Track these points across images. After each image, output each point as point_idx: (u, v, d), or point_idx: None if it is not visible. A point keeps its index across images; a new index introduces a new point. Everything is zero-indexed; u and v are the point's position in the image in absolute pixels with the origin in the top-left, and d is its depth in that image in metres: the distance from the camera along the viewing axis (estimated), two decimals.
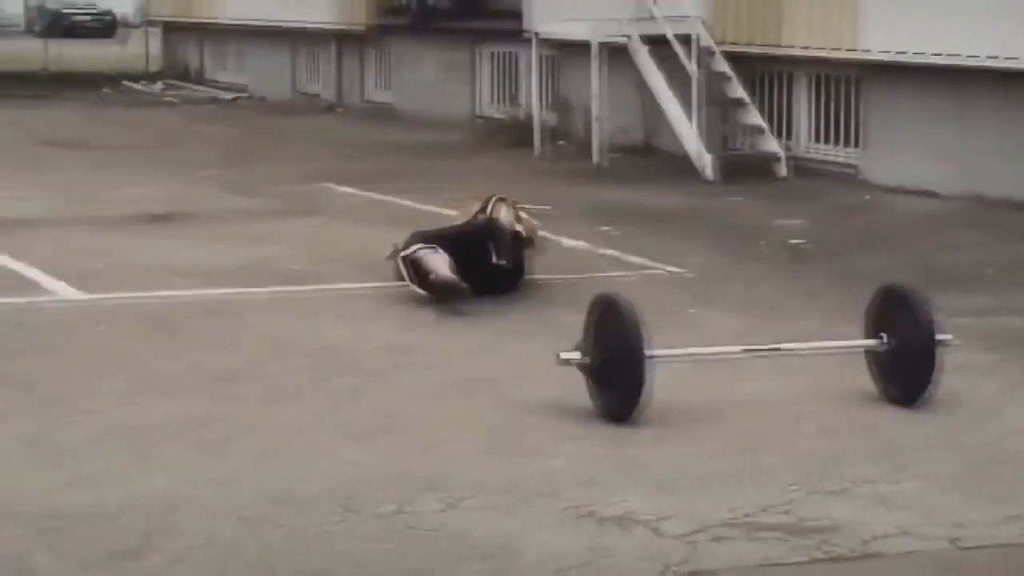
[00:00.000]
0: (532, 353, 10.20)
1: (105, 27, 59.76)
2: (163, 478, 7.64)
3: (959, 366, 9.25)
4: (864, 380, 9.09)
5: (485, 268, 11.70)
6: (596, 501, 7.33)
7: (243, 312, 11.40)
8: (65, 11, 62.31)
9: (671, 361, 8.84)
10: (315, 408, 8.96)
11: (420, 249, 11.71)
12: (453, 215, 12.82)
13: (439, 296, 11.38)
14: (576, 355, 8.60)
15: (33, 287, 12.13)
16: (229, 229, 15.02)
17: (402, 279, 11.90)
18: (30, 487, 7.50)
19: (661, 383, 8.53)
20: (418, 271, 11.63)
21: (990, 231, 15.06)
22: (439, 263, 11.57)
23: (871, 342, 9.06)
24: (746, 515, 7.18)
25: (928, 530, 7.03)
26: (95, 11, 62.73)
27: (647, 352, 8.32)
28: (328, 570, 6.54)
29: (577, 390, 8.97)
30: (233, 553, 6.70)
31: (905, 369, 8.88)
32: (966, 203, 16.45)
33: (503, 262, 11.74)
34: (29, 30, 59.67)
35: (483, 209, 12.28)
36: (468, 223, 12.25)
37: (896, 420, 8.68)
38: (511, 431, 8.51)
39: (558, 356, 8.62)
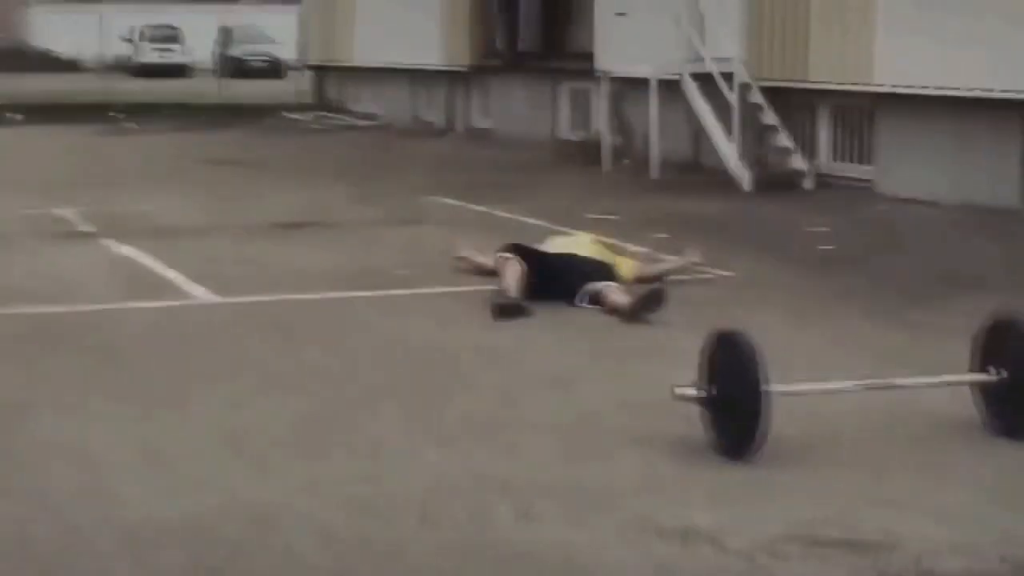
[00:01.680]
0: (606, 354, 8.78)
1: (274, 69, 58.72)
2: (259, 485, 6.22)
3: None
4: (940, 403, 7.25)
5: (558, 293, 10.03)
6: (659, 511, 5.85)
7: (353, 313, 9.97)
8: (244, 57, 61.68)
9: (787, 396, 6.80)
10: (407, 408, 7.49)
11: (505, 258, 10.20)
12: (628, 261, 10.99)
13: (499, 316, 9.61)
14: (692, 390, 6.65)
15: (175, 291, 10.69)
16: (349, 236, 13.59)
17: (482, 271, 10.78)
18: (133, 493, 6.09)
19: None
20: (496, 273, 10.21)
21: (986, 235, 13.51)
22: (512, 279, 10.01)
23: (982, 376, 6.95)
24: (803, 528, 5.69)
25: (979, 545, 5.53)
26: (267, 57, 61.70)
27: (766, 388, 6.38)
28: None
29: (644, 391, 7.57)
30: (310, 572, 5.27)
31: (1015, 401, 6.82)
32: (963, 210, 14.90)
33: (580, 305, 9.95)
34: (214, 71, 58.69)
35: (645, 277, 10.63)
36: (571, 255, 10.37)
37: (954, 436, 6.96)
38: (583, 434, 7.02)
39: (672, 391, 6.65)
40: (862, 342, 8.97)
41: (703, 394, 6.62)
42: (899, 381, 7.24)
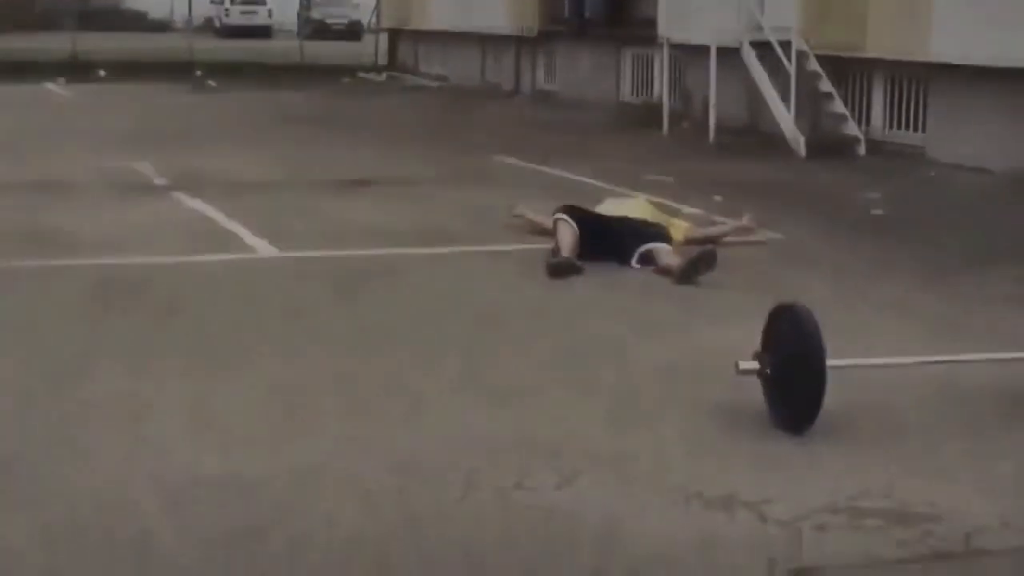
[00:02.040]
0: (656, 316, 8.41)
1: (352, 31, 58.38)
2: (306, 444, 5.91)
3: None
4: (991, 377, 6.70)
5: (611, 254, 9.67)
6: (703, 479, 5.50)
7: (409, 270, 9.63)
8: (326, 20, 61.43)
9: (848, 370, 6.30)
10: (457, 368, 7.16)
11: (561, 220, 9.85)
12: (683, 224, 10.51)
13: (553, 274, 9.28)
14: (755, 365, 6.18)
15: (239, 244, 10.38)
16: (413, 194, 13.25)
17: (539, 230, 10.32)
18: (180, 450, 5.79)
19: None
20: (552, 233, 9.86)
21: None
22: (566, 240, 9.68)
23: None
24: (848, 498, 5.32)
25: None
26: (347, 19, 61.41)
27: (827, 364, 5.93)
28: (437, 563, 4.78)
29: (692, 355, 7.23)
30: (351, 537, 4.95)
31: None
32: (1012, 178, 14.37)
33: (633, 266, 9.63)
34: (300, 34, 58.45)
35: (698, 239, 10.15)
36: (624, 217, 9.98)
37: (1005, 410, 6.46)
38: (631, 397, 6.65)
39: (736, 365, 6.17)
40: (911, 309, 8.56)
41: (767, 370, 6.15)
42: (962, 357, 6.75)
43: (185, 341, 7.58)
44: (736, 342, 6.93)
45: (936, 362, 6.65)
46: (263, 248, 10.21)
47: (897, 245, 10.75)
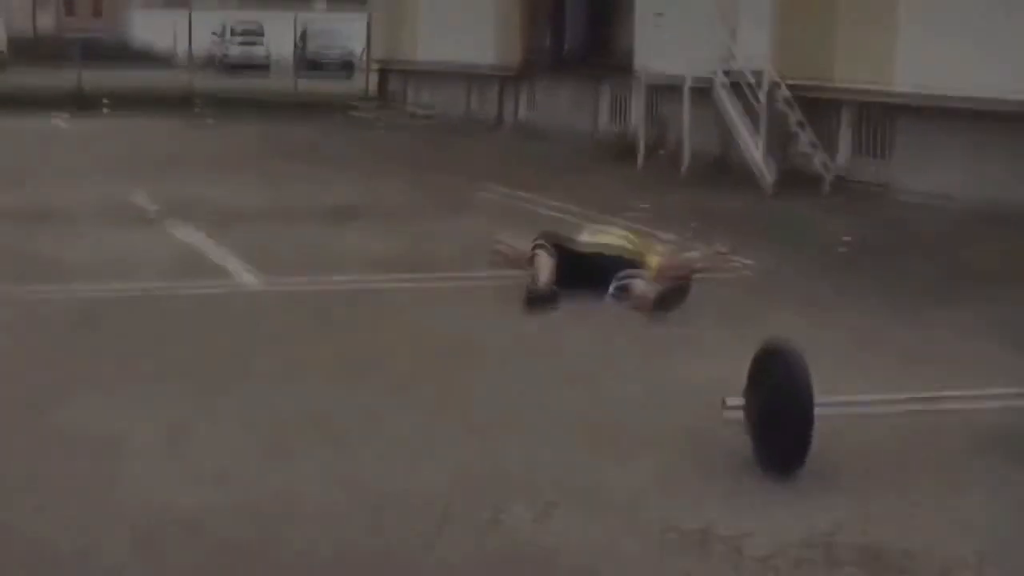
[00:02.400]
0: (630, 349, 8.07)
1: (346, 67, 58.08)
2: (282, 477, 5.58)
3: None
4: (967, 413, 6.40)
5: (588, 286, 9.33)
6: (679, 513, 5.18)
7: (392, 301, 9.29)
8: (320, 56, 61.09)
9: (835, 409, 5.90)
10: (435, 400, 6.82)
11: (539, 250, 9.52)
12: (659, 255, 10.06)
13: (531, 306, 8.94)
14: (741, 403, 5.77)
15: (224, 275, 10.03)
16: (396, 223, 12.92)
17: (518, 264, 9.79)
18: (152, 485, 5.45)
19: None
20: (530, 264, 9.50)
21: (999, 235, 12.74)
22: (545, 270, 9.35)
23: None
24: (823, 535, 5.00)
25: (1003, 561, 4.83)
26: (340, 57, 61.10)
27: (816, 404, 5.52)
28: None
29: (666, 388, 6.91)
30: (324, 573, 4.62)
31: None
32: (977, 210, 14.06)
33: (610, 297, 9.25)
34: (295, 69, 58.11)
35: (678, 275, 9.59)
36: (604, 250, 9.63)
37: (981, 447, 6.09)
38: (605, 431, 6.31)
39: (723, 403, 5.79)
40: (882, 340, 8.25)
41: (754, 419, 5.74)
42: (948, 394, 6.41)
43: (163, 371, 7.23)
44: (709, 375, 6.64)
45: (922, 400, 6.29)
46: (249, 278, 9.87)
47: (864, 277, 10.44)
